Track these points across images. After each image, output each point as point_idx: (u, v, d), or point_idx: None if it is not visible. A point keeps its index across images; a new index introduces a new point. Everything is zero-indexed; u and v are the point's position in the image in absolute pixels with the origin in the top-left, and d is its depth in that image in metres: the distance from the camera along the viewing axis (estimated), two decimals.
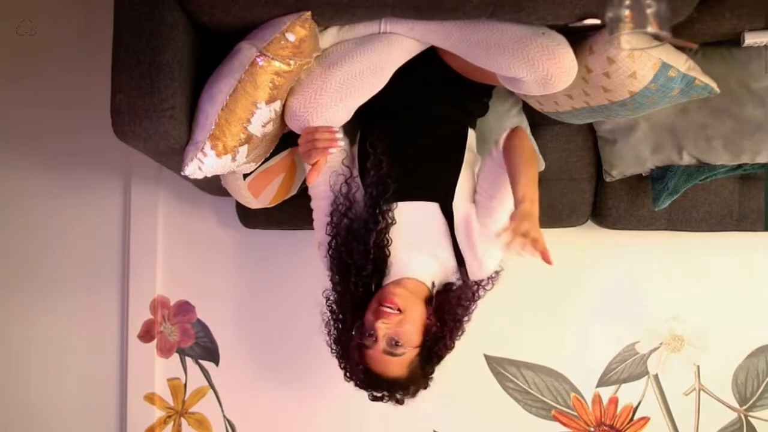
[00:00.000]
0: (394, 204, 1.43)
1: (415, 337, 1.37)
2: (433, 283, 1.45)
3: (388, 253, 1.43)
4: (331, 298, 1.50)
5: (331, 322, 1.50)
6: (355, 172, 1.51)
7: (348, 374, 1.46)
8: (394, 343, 1.34)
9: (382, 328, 1.33)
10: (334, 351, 1.50)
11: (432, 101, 1.53)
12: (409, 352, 1.37)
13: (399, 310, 1.35)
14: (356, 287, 1.43)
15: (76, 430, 2.13)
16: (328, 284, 1.52)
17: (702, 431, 2.00)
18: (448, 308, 1.43)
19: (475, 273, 1.46)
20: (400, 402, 1.45)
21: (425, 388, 1.46)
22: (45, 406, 2.13)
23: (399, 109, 1.51)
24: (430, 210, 1.45)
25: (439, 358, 1.45)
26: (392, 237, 1.43)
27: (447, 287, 1.46)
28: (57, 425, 2.13)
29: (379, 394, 1.44)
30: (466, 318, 1.48)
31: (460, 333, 1.47)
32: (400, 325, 1.34)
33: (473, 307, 1.49)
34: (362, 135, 1.57)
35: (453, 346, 1.46)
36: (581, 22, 1.32)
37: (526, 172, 1.33)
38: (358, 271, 1.43)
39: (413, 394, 1.44)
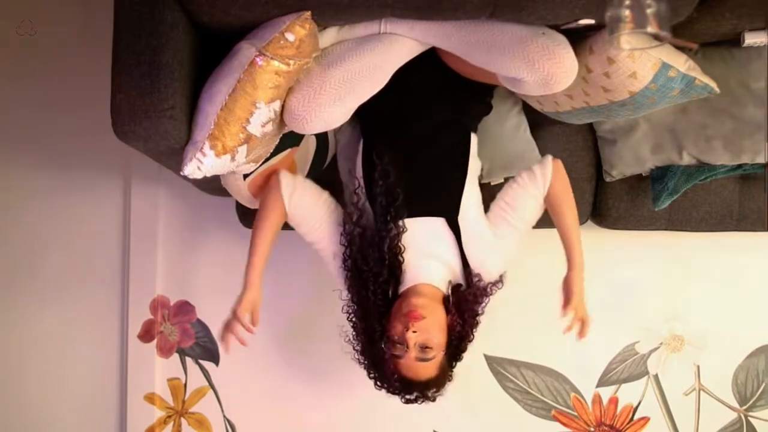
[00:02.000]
0: (403, 218, 1.46)
1: (442, 339, 1.43)
2: (447, 284, 1.48)
3: (402, 260, 1.47)
4: (352, 311, 1.53)
5: (356, 336, 1.53)
6: (361, 182, 1.53)
7: (379, 383, 1.50)
8: (425, 349, 1.40)
9: (413, 337, 1.38)
10: (362, 363, 1.53)
11: (433, 105, 1.54)
12: (438, 354, 1.43)
13: (422, 317, 1.39)
14: (375, 295, 1.47)
15: (76, 430, 2.13)
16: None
17: (702, 431, 2.00)
18: (465, 306, 1.47)
19: (482, 277, 1.51)
20: (432, 400, 1.49)
21: (450, 381, 1.51)
22: (45, 406, 2.13)
23: (401, 116, 1.53)
24: (437, 224, 1.49)
25: (463, 351, 1.52)
26: (404, 245, 1.47)
27: (458, 287, 1.50)
28: (57, 425, 2.13)
29: (412, 397, 1.48)
30: (481, 312, 1.52)
31: (477, 325, 1.52)
32: (427, 331, 1.39)
33: (486, 301, 1.53)
34: (365, 145, 1.57)
35: (473, 338, 1.51)
36: (576, 22, 1.32)
37: (577, 228, 1.51)
38: (375, 278, 1.46)
39: (442, 390, 1.49)
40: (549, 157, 1.52)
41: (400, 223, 1.46)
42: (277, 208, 1.51)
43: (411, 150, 1.51)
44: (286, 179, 1.51)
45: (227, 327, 1.45)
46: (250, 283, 1.47)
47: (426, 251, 1.47)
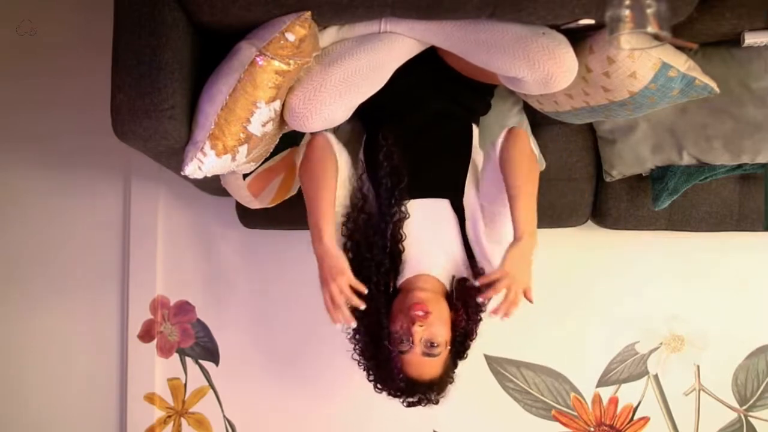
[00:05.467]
0: (406, 201, 1.44)
1: (448, 335, 1.38)
2: (448, 278, 1.45)
3: (402, 248, 1.43)
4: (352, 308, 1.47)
5: (356, 335, 1.47)
6: (362, 168, 1.52)
7: (381, 384, 1.45)
8: (431, 345, 1.35)
9: (419, 332, 1.33)
10: (362, 364, 1.47)
11: (433, 101, 1.54)
12: (444, 351, 1.38)
13: (429, 311, 1.35)
14: (377, 287, 1.42)
15: (76, 430, 2.13)
16: None
17: (702, 431, 2.00)
18: (469, 301, 1.42)
19: (486, 270, 1.46)
20: (435, 402, 1.45)
21: (452, 382, 1.46)
22: (45, 406, 2.13)
23: (402, 109, 1.52)
24: (441, 206, 1.46)
25: (467, 350, 1.47)
26: (405, 232, 1.44)
27: (462, 281, 1.45)
28: (57, 425, 2.13)
29: (415, 399, 1.44)
30: (484, 308, 1.46)
31: (479, 322, 1.47)
32: (433, 326, 1.35)
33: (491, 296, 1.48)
34: (368, 133, 1.57)
35: (476, 336, 1.47)
36: (576, 22, 1.32)
37: (525, 193, 1.34)
38: (378, 267, 1.42)
39: (445, 392, 1.45)
40: (504, 129, 1.44)
41: (404, 207, 1.43)
42: (335, 166, 1.40)
43: (413, 135, 1.49)
44: (335, 139, 1.44)
45: (333, 306, 1.31)
46: (326, 246, 1.32)
47: (428, 238, 1.44)
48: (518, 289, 1.30)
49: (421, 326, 1.33)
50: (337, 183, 1.42)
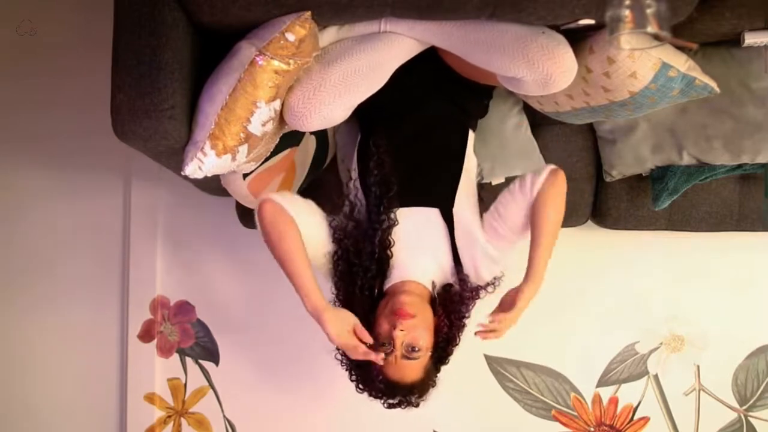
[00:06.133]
0: (396, 208, 1.44)
1: (429, 340, 1.38)
2: (433, 284, 1.45)
3: (390, 254, 1.44)
4: None
5: None
6: (354, 175, 1.52)
7: (362, 386, 1.45)
8: (411, 349, 1.35)
9: (400, 336, 1.33)
10: (344, 364, 1.47)
11: (431, 100, 1.53)
12: (425, 355, 1.38)
13: (412, 316, 1.35)
14: (362, 291, 1.42)
15: (76, 430, 2.13)
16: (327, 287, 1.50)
17: (702, 431, 2.00)
18: (452, 307, 1.43)
19: (471, 278, 1.47)
20: (415, 405, 1.45)
21: (434, 386, 1.46)
22: (45, 406, 2.13)
23: (399, 110, 1.52)
24: (431, 215, 1.47)
25: (449, 355, 1.47)
26: (393, 239, 1.44)
27: (447, 287, 1.46)
28: (57, 425, 2.13)
29: (396, 401, 1.44)
30: (468, 315, 1.47)
31: (463, 328, 1.48)
32: (415, 330, 1.35)
33: (473, 304, 1.48)
34: (363, 138, 1.57)
35: (459, 342, 1.47)
36: (576, 22, 1.32)
37: (551, 237, 1.39)
38: (364, 272, 1.42)
39: (426, 395, 1.45)
40: (547, 166, 1.45)
41: (392, 215, 1.43)
42: (293, 225, 1.38)
43: (406, 141, 1.49)
44: (281, 196, 1.41)
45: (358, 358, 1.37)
46: (320, 310, 1.35)
47: (416, 244, 1.45)
48: (508, 328, 1.39)
49: (403, 331, 1.33)
50: (300, 238, 1.39)
